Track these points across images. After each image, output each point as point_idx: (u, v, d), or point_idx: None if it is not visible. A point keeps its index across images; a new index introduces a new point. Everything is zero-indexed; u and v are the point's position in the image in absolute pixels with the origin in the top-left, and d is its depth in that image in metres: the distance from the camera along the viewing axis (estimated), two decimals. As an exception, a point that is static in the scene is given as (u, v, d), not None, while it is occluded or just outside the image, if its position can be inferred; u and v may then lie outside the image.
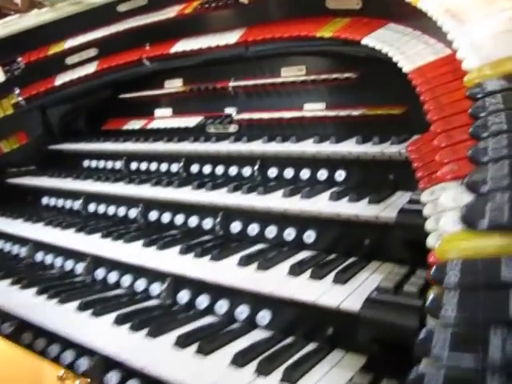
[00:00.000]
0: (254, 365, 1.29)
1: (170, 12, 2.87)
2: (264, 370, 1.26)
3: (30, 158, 3.44)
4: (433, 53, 1.52)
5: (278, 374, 1.25)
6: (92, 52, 3.29)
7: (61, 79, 3.29)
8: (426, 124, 1.64)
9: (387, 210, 1.62)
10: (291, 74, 2.60)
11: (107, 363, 1.51)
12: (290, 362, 1.31)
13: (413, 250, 1.44)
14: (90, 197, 2.71)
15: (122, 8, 3.11)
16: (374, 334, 1.23)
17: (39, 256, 2.46)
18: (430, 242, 1.12)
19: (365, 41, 1.91)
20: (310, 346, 1.42)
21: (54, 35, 3.29)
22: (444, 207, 0.87)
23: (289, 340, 1.47)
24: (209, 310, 1.70)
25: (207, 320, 1.67)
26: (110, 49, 3.20)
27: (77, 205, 2.78)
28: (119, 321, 1.65)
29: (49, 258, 2.40)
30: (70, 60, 3.33)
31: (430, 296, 0.68)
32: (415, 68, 1.50)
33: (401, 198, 1.75)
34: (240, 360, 1.31)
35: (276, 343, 1.44)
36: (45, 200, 3.06)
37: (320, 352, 1.37)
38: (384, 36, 1.86)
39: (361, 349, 1.33)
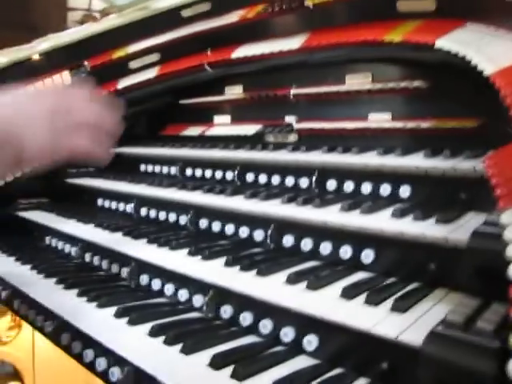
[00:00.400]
0: (294, 397, 1.15)
1: (233, 17, 2.79)
2: (305, 405, 1.11)
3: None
4: (522, 53, 1.33)
5: (321, 411, 1.10)
6: (154, 57, 3.28)
7: (123, 83, 3.31)
8: (506, 139, 1.46)
9: (457, 232, 1.42)
10: (356, 81, 2.44)
11: (138, 376, 1.41)
12: (336, 398, 1.15)
13: (487, 280, 1.24)
14: (142, 201, 2.67)
15: (185, 13, 3.07)
16: (437, 374, 1.04)
17: (88, 257, 2.43)
18: (512, 272, 0.94)
19: (439, 43, 1.72)
20: (360, 382, 1.25)
21: (119, 40, 3.32)
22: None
23: (336, 371, 1.30)
24: (252, 328, 1.56)
25: (249, 339, 1.54)
26: (171, 54, 3.17)
27: (129, 208, 2.75)
28: (154, 332, 1.55)
29: (96, 260, 2.37)
30: (132, 64, 3.35)
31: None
32: (499, 70, 1.31)
33: (473, 220, 1.55)
34: (278, 390, 1.16)
35: (321, 374, 1.28)
36: (100, 201, 3.06)
37: (372, 389, 1.20)
38: (461, 37, 1.67)
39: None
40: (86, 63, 3.28)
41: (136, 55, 3.30)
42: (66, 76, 3.26)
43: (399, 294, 1.39)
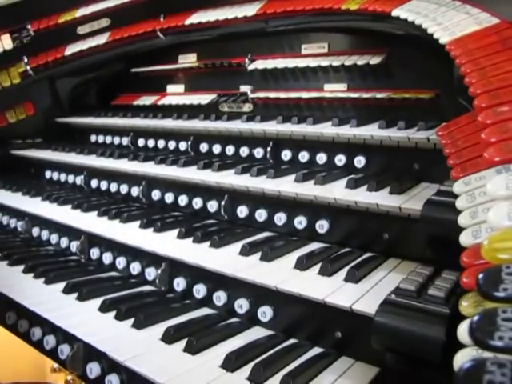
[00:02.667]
0: (247, 369, 1.13)
1: (187, -19, 2.68)
2: (257, 377, 1.09)
3: (36, 130, 3.32)
4: (476, 23, 1.32)
5: (275, 382, 1.09)
6: (104, 22, 3.12)
7: (71, 49, 3.14)
8: (458, 111, 1.46)
9: (411, 202, 1.43)
10: (312, 51, 2.40)
11: (89, 352, 1.37)
12: (290, 368, 1.14)
13: (439, 248, 1.26)
14: (93, 172, 2.57)
15: (137, -24, 2.93)
16: (389, 342, 1.05)
17: (35, 231, 2.33)
18: (464, 239, 0.95)
19: (395, 12, 1.70)
20: (314, 351, 1.25)
21: (65, 3, 3.14)
22: (493, 196, 0.69)
23: (291, 341, 1.30)
24: (206, 300, 1.54)
25: (203, 312, 1.52)
26: (122, 19, 3.03)
27: (79, 180, 2.64)
28: (104, 307, 1.50)
29: (45, 234, 2.28)
30: (81, 30, 3.17)
31: (475, 313, 0.49)
32: (454, 39, 1.30)
33: (425, 190, 1.57)
34: (232, 363, 1.14)
35: (276, 345, 1.27)
36: (48, 174, 2.92)
37: (325, 358, 1.20)
38: (418, 7, 1.66)
39: (373, 359, 1.16)
40: (28, 26, 3.08)
41: (85, 20, 3.13)
42: (6, 40, 3.05)
43: (353, 263, 1.39)
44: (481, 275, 0.52)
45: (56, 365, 2.51)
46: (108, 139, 2.96)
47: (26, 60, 3.13)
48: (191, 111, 2.70)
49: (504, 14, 1.38)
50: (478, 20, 1.33)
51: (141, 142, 2.71)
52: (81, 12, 3.10)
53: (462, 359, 0.68)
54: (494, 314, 0.47)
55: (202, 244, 1.66)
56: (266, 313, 1.35)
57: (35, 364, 2.87)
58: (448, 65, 1.54)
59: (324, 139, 1.93)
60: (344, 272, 1.33)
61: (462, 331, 0.73)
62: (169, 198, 2.12)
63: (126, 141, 2.81)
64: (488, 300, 0.51)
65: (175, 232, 1.78)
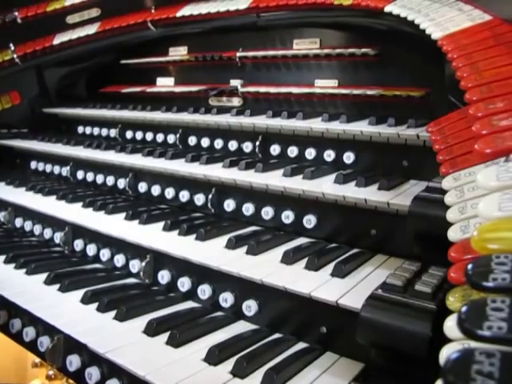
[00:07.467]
0: (230, 363, 1.11)
1: (179, -28, 2.65)
2: (241, 371, 1.07)
3: (22, 120, 3.26)
4: (468, 19, 1.32)
5: (258, 376, 1.07)
6: (94, 12, 3.07)
7: (60, 38, 3.08)
8: (449, 109, 1.46)
9: (399, 198, 1.42)
10: (304, 46, 2.38)
11: (70, 344, 1.34)
12: (273, 363, 1.13)
13: (427, 244, 1.25)
14: (79, 163, 2.53)
15: (128, -34, 2.90)
16: (375, 337, 1.04)
17: (18, 222, 2.29)
18: (452, 234, 0.93)
19: (388, 8, 1.70)
20: (299, 346, 1.23)
21: (55, -10, 3.09)
22: (484, 187, 0.67)
23: (275, 336, 1.28)
24: (190, 293, 1.52)
25: (187, 305, 1.49)
26: (113, 10, 2.98)
27: (65, 171, 2.60)
28: (87, 299, 1.47)
29: (28, 225, 2.24)
30: (70, 19, 3.12)
31: (463, 304, 0.48)
32: (447, 34, 1.29)
33: (414, 187, 1.56)
34: (215, 356, 1.12)
35: (260, 339, 1.26)
36: (33, 164, 2.88)
37: (310, 353, 1.19)
38: (411, 3, 1.65)
39: (357, 354, 1.14)
40: (15, 13, 3.03)
41: (74, 9, 3.08)
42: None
43: (340, 258, 1.38)
44: (470, 265, 0.51)
45: (38, 360, 2.47)
46: (95, 131, 2.92)
47: (12, 48, 3.08)
48: (181, 103, 2.66)
49: (496, 12, 1.37)
50: (471, 16, 1.33)
51: (129, 134, 2.68)
52: (70, 1, 3.05)
53: (448, 354, 0.66)
54: (483, 303, 0.46)
55: (187, 237, 1.64)
56: (250, 307, 1.33)
57: (16, 359, 2.82)
58: (439, 63, 1.53)
59: (313, 134, 1.92)
60: (331, 267, 1.32)
61: (449, 326, 0.71)
62: (155, 190, 2.10)
63: (113, 133, 2.78)
64: (477, 290, 0.50)
65: (161, 224, 1.75)
